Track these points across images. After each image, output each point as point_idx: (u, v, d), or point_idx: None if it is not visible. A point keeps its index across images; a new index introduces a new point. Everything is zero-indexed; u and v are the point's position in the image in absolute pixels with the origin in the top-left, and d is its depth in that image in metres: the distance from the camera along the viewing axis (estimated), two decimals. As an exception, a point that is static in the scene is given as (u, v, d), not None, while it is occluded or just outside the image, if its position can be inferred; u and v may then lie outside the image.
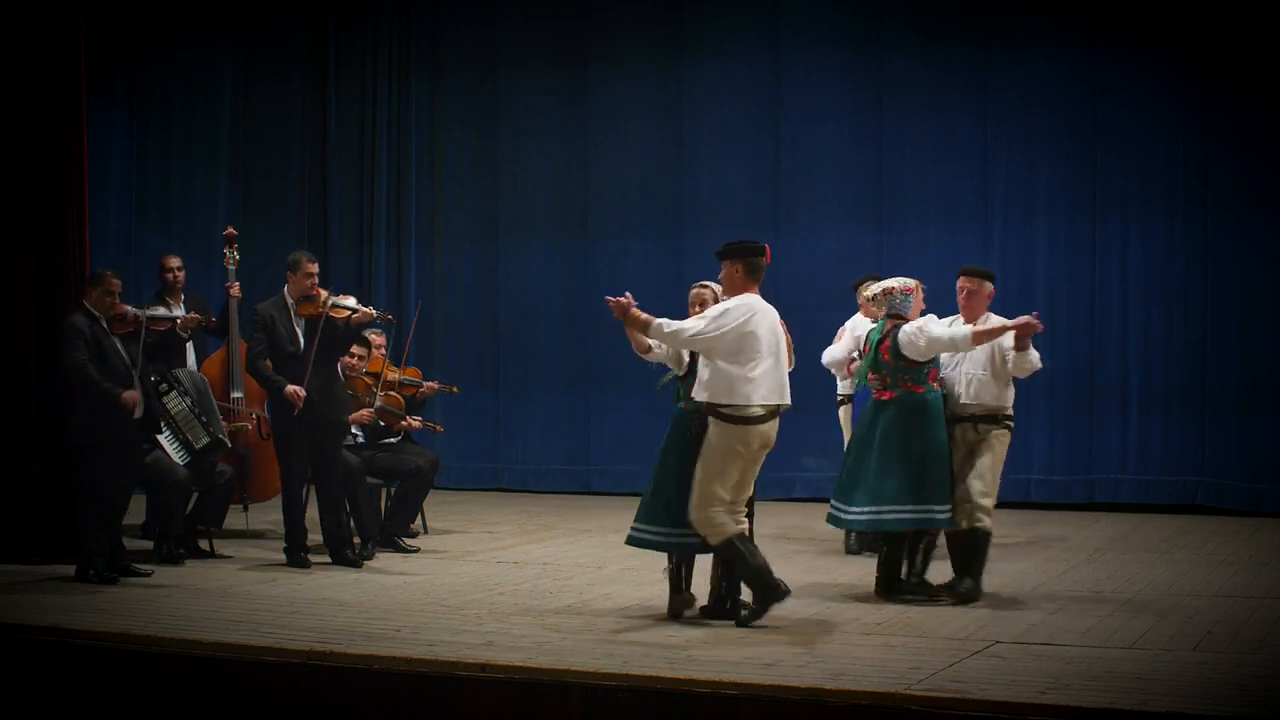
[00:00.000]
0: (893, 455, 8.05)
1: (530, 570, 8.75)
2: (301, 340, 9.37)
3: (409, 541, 10.15)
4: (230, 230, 10.84)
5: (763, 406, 7.42)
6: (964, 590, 8.15)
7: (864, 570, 9.32)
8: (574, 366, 13.90)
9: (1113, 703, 5.84)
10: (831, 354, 10.11)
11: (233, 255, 10.65)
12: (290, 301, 9.44)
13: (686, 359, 7.88)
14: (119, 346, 8.86)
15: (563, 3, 14.19)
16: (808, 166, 13.37)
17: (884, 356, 8.15)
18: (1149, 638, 7.18)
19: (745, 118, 13.55)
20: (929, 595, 8.22)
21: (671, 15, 13.82)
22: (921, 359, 8.07)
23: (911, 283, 8.34)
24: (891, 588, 8.26)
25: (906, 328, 8.10)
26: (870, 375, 8.28)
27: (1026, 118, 12.72)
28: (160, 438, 9.41)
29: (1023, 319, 8.02)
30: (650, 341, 7.89)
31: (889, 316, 8.27)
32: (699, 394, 7.57)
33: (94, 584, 8.63)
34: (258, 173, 14.99)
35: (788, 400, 7.55)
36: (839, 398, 10.34)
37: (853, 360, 9.68)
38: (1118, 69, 12.43)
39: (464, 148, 14.56)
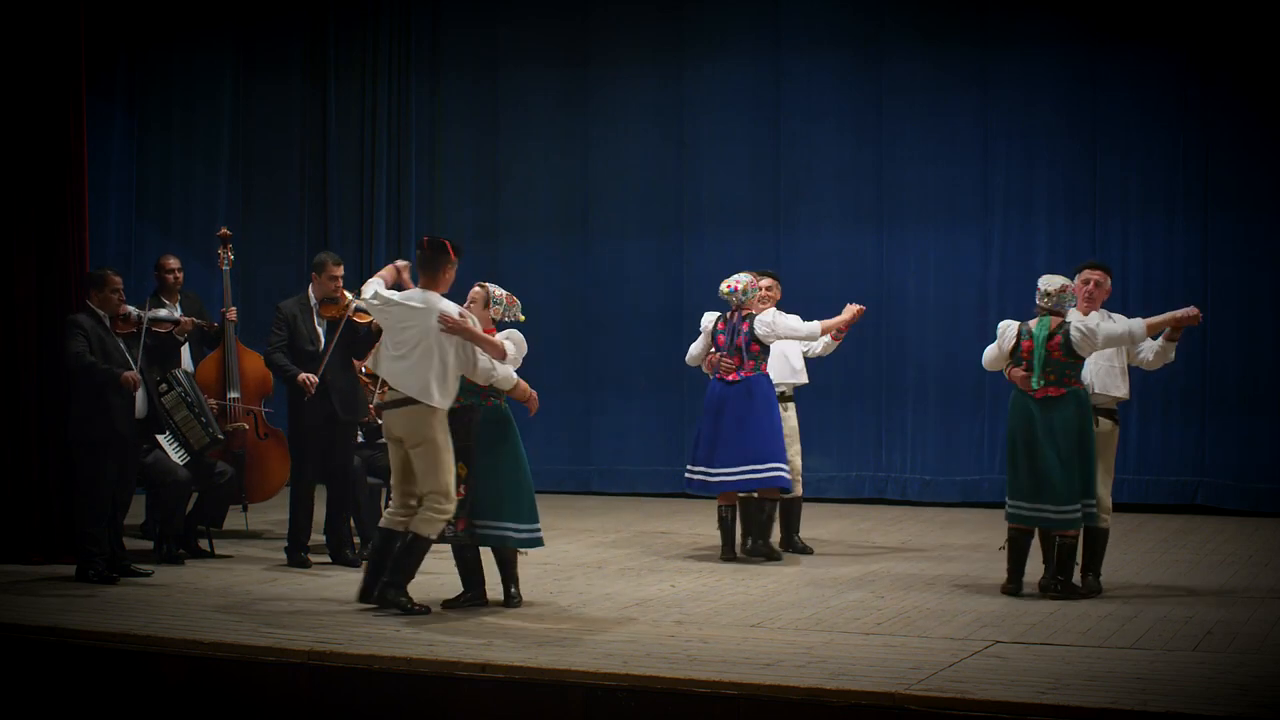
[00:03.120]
0: (1076, 452, 8.21)
1: (530, 570, 8.76)
2: (321, 341, 9.43)
3: (409, 541, 10.15)
4: (224, 231, 10.81)
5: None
6: (1089, 588, 8.31)
7: (865, 570, 9.33)
8: (574, 366, 13.90)
9: (1113, 703, 5.85)
10: (691, 352, 10.07)
11: (227, 256, 10.64)
12: (313, 301, 9.50)
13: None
14: (121, 346, 8.87)
15: (563, 3, 14.19)
16: (808, 166, 13.36)
17: (1054, 354, 8.21)
18: (1149, 638, 7.18)
19: (745, 118, 13.55)
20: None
21: (671, 15, 13.81)
22: (1089, 354, 8.26)
23: (1070, 282, 8.44)
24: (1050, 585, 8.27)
25: (1081, 324, 8.21)
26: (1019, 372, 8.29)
27: (1026, 118, 12.71)
28: (160, 438, 9.41)
29: (1191, 310, 8.32)
30: None
31: (1051, 313, 8.31)
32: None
33: (94, 584, 8.63)
34: (258, 172, 14.98)
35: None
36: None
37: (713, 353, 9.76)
38: (1118, 69, 12.42)
39: (464, 148, 14.55)
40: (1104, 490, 8.40)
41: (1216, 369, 12.20)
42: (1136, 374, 12.32)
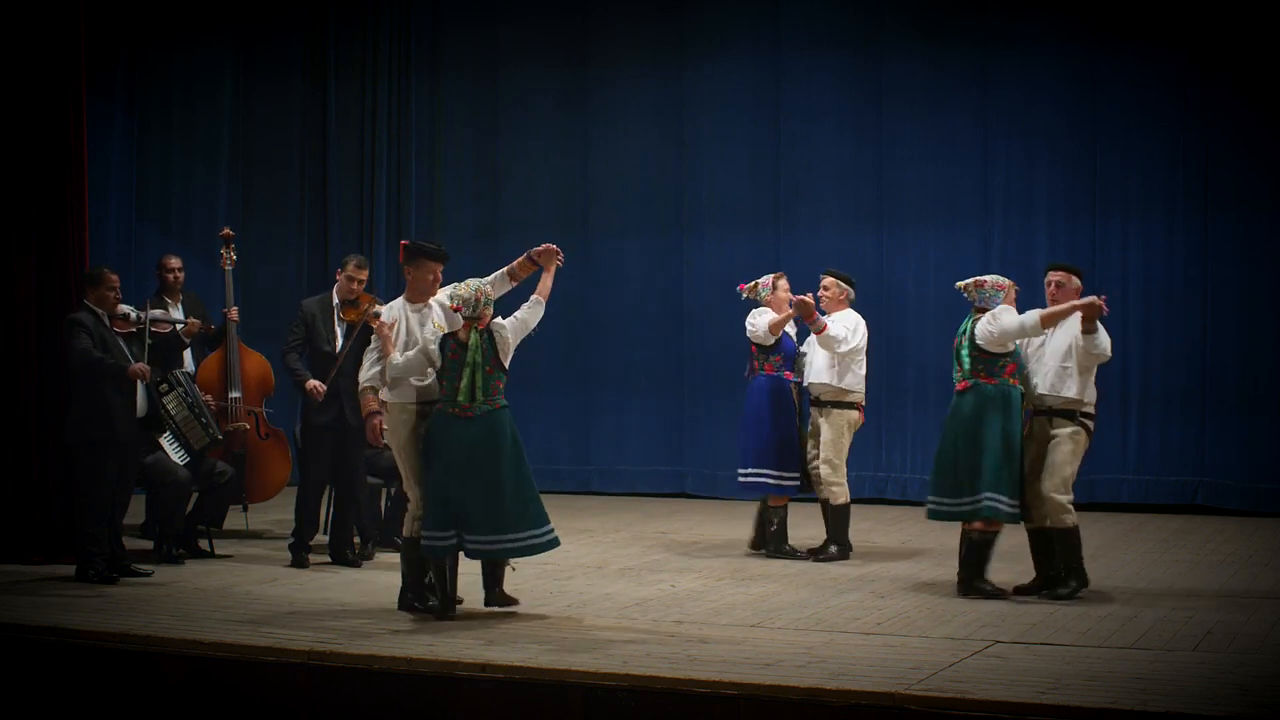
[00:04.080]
0: (965, 446, 8.22)
1: (530, 570, 8.76)
2: (339, 341, 9.44)
3: (409, 541, 10.16)
4: (227, 231, 10.82)
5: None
6: (1067, 592, 8.19)
7: (865, 570, 9.33)
8: (574, 366, 13.90)
9: (1113, 703, 5.85)
10: None
11: (229, 255, 10.64)
12: (335, 302, 9.52)
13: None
14: (122, 344, 8.88)
15: (563, 3, 14.19)
16: (808, 166, 13.36)
17: (965, 349, 8.32)
18: (1149, 638, 7.18)
19: (745, 118, 13.55)
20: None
21: (671, 15, 13.81)
22: (999, 350, 8.21)
23: (1005, 280, 8.48)
24: (971, 588, 8.31)
25: (983, 319, 8.27)
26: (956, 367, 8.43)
27: (1026, 118, 12.71)
28: (160, 438, 9.41)
29: (1088, 299, 8.12)
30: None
31: (977, 310, 8.40)
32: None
33: (94, 584, 8.64)
34: (258, 172, 14.98)
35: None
36: None
37: None
38: (1118, 69, 12.43)
39: (464, 147, 14.55)
40: (1050, 490, 8.15)
41: (1216, 369, 12.21)
42: (1142, 373, 12.47)
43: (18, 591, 8.49)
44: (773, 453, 9.75)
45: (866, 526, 11.51)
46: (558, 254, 8.06)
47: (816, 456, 9.78)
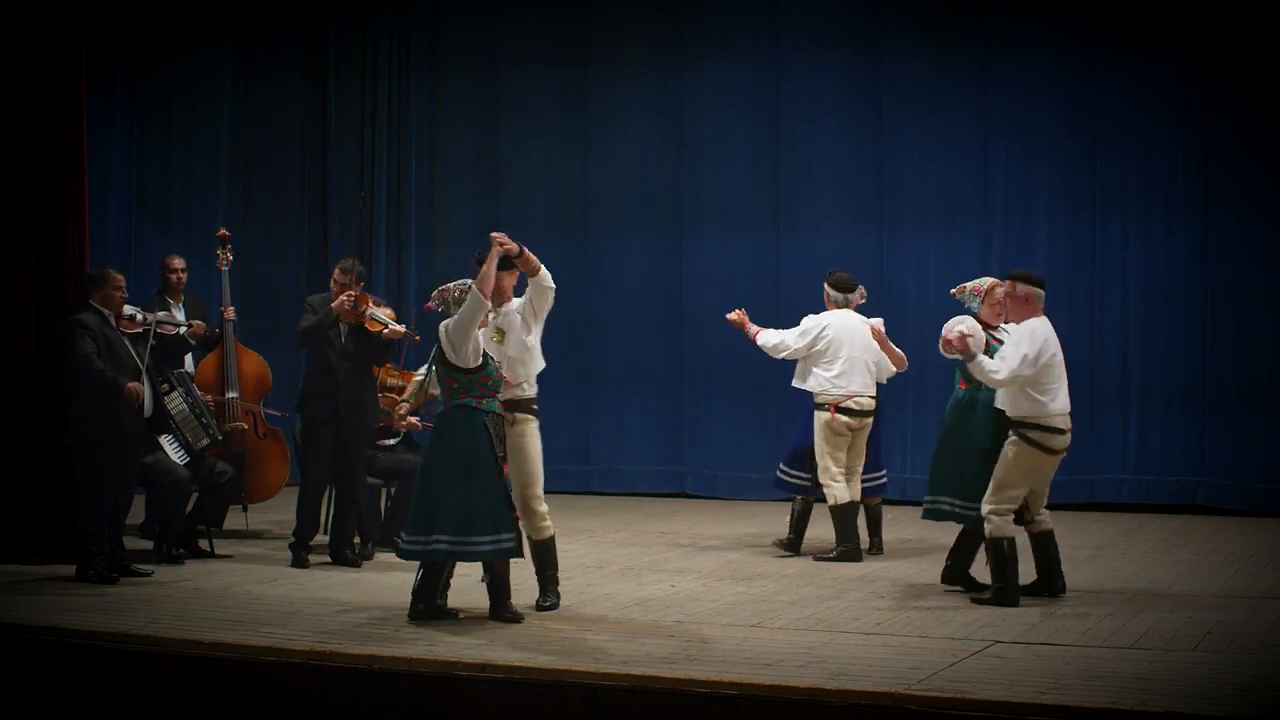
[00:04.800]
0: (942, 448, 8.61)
1: (530, 570, 8.74)
2: (343, 338, 9.53)
3: (409, 541, 10.16)
4: (223, 231, 10.82)
5: None
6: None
7: (865, 570, 9.33)
8: (574, 366, 13.88)
9: (1113, 703, 5.85)
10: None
11: (225, 256, 10.64)
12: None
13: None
14: (127, 344, 8.88)
15: (563, 3, 14.18)
16: (808, 166, 13.36)
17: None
18: (1149, 638, 7.18)
19: (745, 118, 13.54)
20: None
21: (671, 15, 13.80)
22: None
23: (983, 284, 8.56)
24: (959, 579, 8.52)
25: (970, 366, 8.25)
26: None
27: (1026, 118, 12.71)
28: (160, 438, 9.41)
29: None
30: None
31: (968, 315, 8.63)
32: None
33: (94, 584, 8.64)
34: (258, 172, 14.98)
35: None
36: None
37: None
38: (1118, 69, 12.42)
39: (464, 148, 14.55)
40: (991, 498, 8.13)
41: (1216, 369, 12.20)
42: (1142, 373, 12.46)
43: (18, 591, 8.49)
44: (787, 453, 10.13)
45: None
46: (499, 242, 7.62)
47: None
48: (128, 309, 8.96)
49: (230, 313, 10.42)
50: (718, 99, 13.60)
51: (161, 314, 9.57)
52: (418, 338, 9.90)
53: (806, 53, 13.32)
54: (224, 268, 10.63)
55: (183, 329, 9.54)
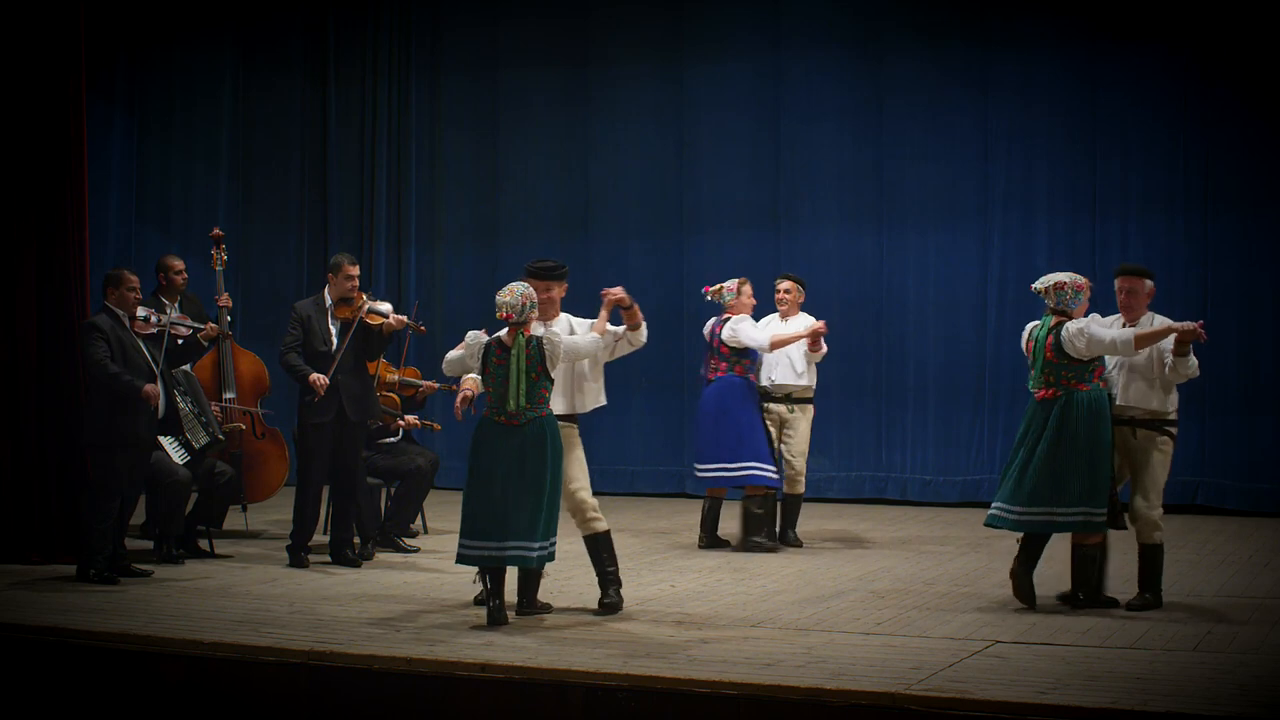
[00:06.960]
0: (1054, 454, 7.84)
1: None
2: (334, 342, 9.46)
3: (409, 541, 10.17)
4: (217, 231, 10.79)
5: None
6: (1143, 603, 7.95)
7: (865, 570, 9.33)
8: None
9: (1113, 703, 5.84)
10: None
11: (220, 256, 10.62)
12: (329, 302, 9.54)
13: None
14: (141, 346, 8.87)
15: (563, 3, 14.19)
16: (808, 166, 13.37)
17: (1048, 354, 7.91)
18: (1149, 638, 7.17)
19: (745, 118, 13.56)
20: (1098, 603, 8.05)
21: (671, 15, 13.82)
22: (1084, 358, 7.85)
23: (1082, 279, 8.06)
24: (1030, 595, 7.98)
25: (1069, 326, 7.87)
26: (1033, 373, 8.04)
27: (1026, 118, 12.72)
28: (161, 438, 9.40)
29: (1187, 325, 7.80)
30: None
31: (1055, 312, 7.99)
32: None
33: (94, 584, 8.63)
34: (258, 172, 14.99)
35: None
36: None
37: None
38: (1118, 69, 12.43)
39: (464, 148, 14.56)
40: (1144, 507, 7.98)
41: (1216, 369, 12.16)
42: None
43: (18, 591, 8.48)
44: (757, 446, 10.11)
45: (866, 526, 11.52)
46: (615, 297, 8.03)
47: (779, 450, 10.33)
48: (141, 310, 8.95)
49: (225, 299, 10.42)
50: (718, 99, 13.61)
51: (174, 316, 9.57)
52: (423, 329, 9.92)
53: (806, 53, 13.33)
54: (218, 268, 10.60)
55: (196, 330, 9.52)
